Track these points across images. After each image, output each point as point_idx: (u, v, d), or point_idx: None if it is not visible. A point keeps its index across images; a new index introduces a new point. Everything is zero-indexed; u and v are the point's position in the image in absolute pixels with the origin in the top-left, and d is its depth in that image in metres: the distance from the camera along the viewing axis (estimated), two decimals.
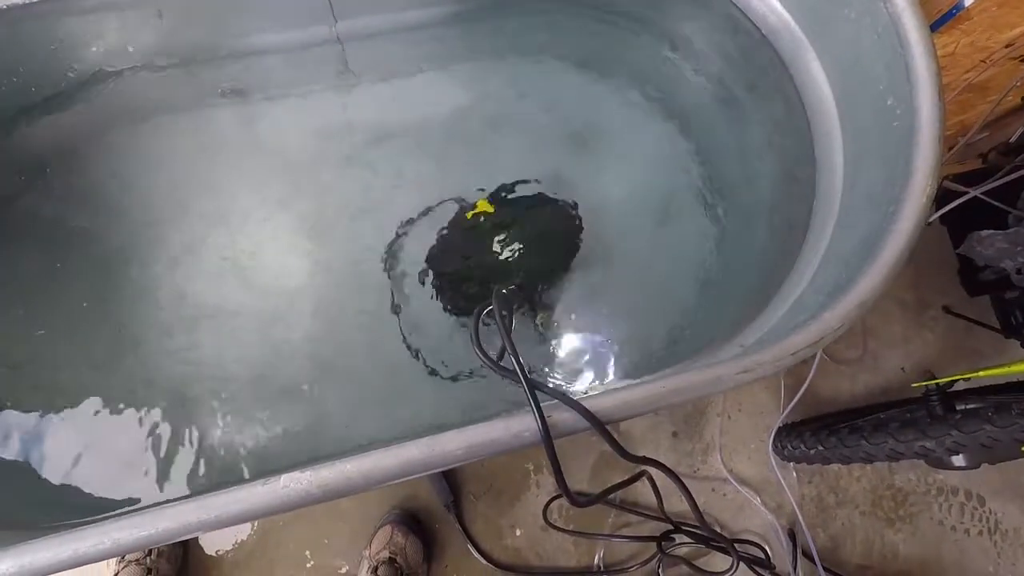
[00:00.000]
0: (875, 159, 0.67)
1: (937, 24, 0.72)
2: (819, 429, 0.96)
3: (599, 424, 0.47)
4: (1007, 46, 0.76)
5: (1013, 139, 0.91)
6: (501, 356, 0.61)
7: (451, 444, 0.46)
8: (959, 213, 0.94)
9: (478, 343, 0.51)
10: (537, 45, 1.01)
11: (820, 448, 0.92)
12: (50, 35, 0.79)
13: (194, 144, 0.94)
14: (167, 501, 0.47)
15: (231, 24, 0.86)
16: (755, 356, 0.51)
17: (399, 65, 0.98)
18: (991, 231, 0.97)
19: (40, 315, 0.85)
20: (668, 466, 0.55)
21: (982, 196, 0.92)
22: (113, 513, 0.65)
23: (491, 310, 0.59)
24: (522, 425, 0.47)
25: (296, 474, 0.45)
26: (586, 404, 0.48)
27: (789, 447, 1.02)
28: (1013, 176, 0.87)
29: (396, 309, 0.90)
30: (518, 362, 0.48)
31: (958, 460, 0.80)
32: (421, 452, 0.46)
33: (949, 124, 0.97)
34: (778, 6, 0.77)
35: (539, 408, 0.46)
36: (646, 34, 0.97)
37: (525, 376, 0.47)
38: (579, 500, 0.50)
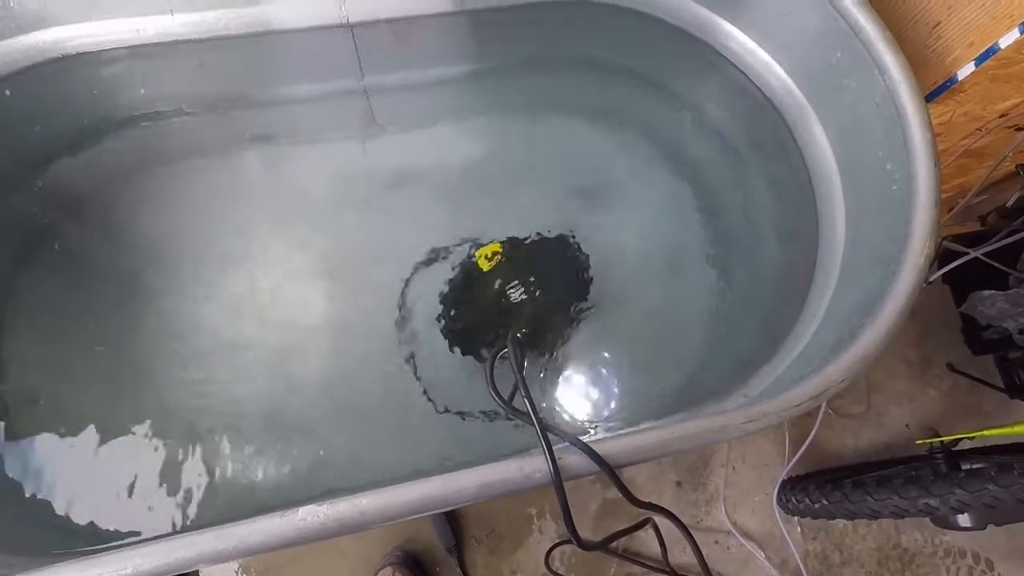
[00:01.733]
0: (875, 219, 0.70)
1: (933, 95, 0.76)
2: (824, 483, 0.96)
3: (609, 468, 0.48)
4: (1001, 116, 0.80)
5: (1010, 203, 0.94)
6: (512, 398, 0.63)
7: (465, 482, 0.47)
8: (961, 272, 0.97)
9: (493, 385, 0.53)
10: (550, 101, 1.06)
11: (825, 502, 0.92)
12: (95, 80, 0.84)
13: (220, 185, 0.98)
14: (186, 530, 0.49)
15: (265, 76, 0.92)
16: (760, 406, 0.53)
17: (420, 116, 1.03)
18: (992, 291, 0.99)
19: (61, 343, 0.88)
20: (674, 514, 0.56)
21: (982, 257, 0.95)
22: (133, 540, 0.66)
23: (505, 353, 0.61)
24: (534, 466, 0.48)
25: (313, 507, 0.46)
26: (596, 448, 0.49)
27: (794, 500, 1.02)
28: (1012, 239, 0.90)
29: (408, 349, 0.92)
30: (531, 405, 0.50)
31: (964, 520, 0.80)
32: (435, 489, 0.47)
33: (949, 186, 1.01)
34: (782, 73, 0.82)
35: (551, 450, 0.47)
36: (655, 93, 1.02)
37: (538, 418, 0.49)
38: (586, 543, 0.51)
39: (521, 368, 0.56)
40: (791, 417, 0.53)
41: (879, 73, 0.66)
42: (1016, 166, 0.88)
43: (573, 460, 0.49)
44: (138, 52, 0.80)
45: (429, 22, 0.88)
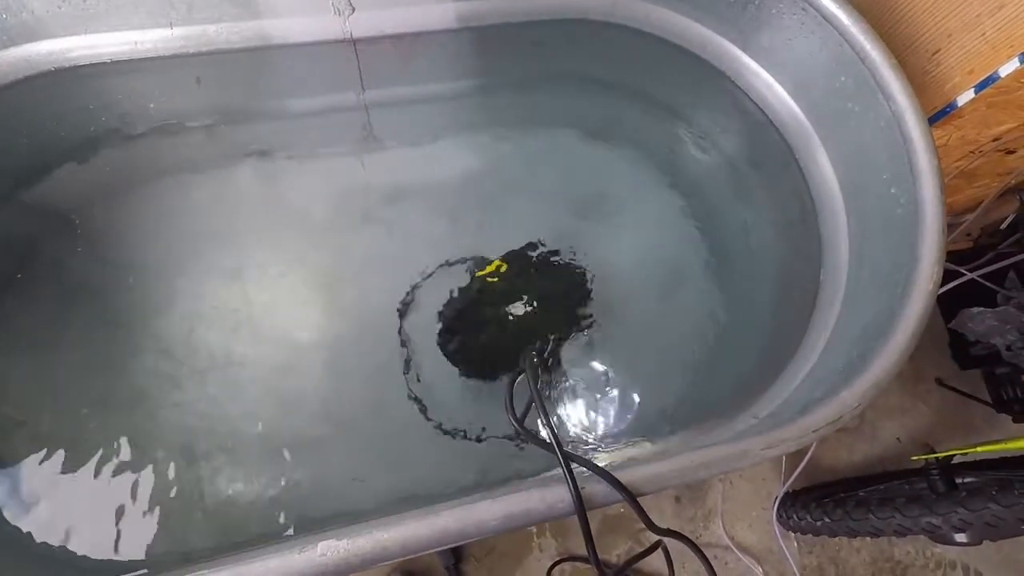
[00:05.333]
0: (880, 243, 0.70)
1: (932, 119, 0.77)
2: (824, 499, 0.97)
3: (631, 497, 0.48)
4: (995, 140, 0.82)
5: (1005, 225, 0.96)
6: (524, 418, 0.62)
7: (486, 514, 0.46)
8: (949, 289, 0.98)
9: (513, 414, 0.52)
10: (551, 116, 1.06)
11: (827, 520, 0.92)
12: (89, 93, 0.82)
13: (216, 200, 0.96)
14: (187, 559, 0.47)
15: (264, 90, 0.90)
16: (779, 432, 0.53)
17: (420, 131, 1.02)
18: (981, 308, 1.01)
19: (49, 363, 0.85)
20: (692, 540, 0.55)
21: (977, 278, 0.97)
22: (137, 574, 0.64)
23: (520, 376, 0.60)
24: (556, 496, 0.48)
25: (333, 542, 0.45)
26: (617, 476, 0.49)
27: (795, 517, 1.02)
28: (1009, 261, 0.92)
29: (407, 367, 0.91)
30: (555, 435, 0.49)
31: (961, 537, 0.81)
32: (457, 521, 0.46)
33: None
34: (785, 95, 0.83)
35: (575, 482, 0.47)
36: (656, 110, 1.02)
37: (561, 448, 0.48)
38: (607, 572, 0.50)
39: (540, 394, 0.55)
40: (809, 443, 0.53)
41: (884, 98, 0.67)
42: (1016, 188, 0.90)
43: (595, 489, 0.49)
44: (134, 66, 0.78)
45: (432, 38, 0.87)
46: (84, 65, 0.75)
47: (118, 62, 0.77)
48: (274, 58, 0.85)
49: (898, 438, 1.21)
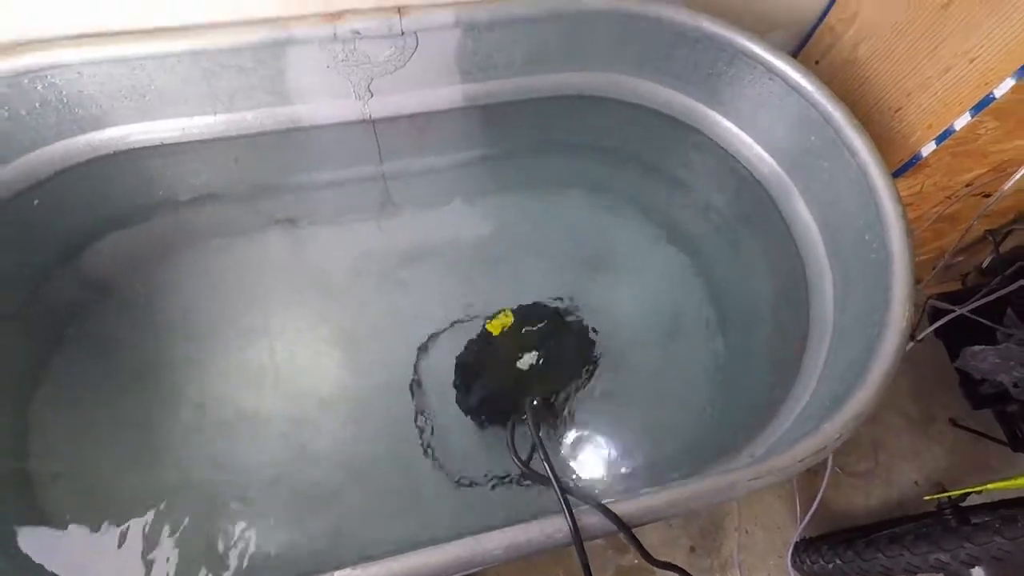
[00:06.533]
0: (859, 285, 0.75)
1: (901, 170, 0.83)
2: (837, 544, 0.97)
3: (626, 528, 0.52)
4: (967, 185, 0.88)
5: (985, 264, 1.00)
6: (528, 462, 0.66)
7: (492, 544, 0.50)
8: (953, 328, 1.01)
9: (515, 452, 0.57)
10: (554, 181, 1.15)
11: (838, 562, 0.93)
12: (143, 171, 0.92)
13: (245, 263, 1.04)
14: None
15: (292, 165, 1.00)
16: (766, 464, 0.57)
17: (433, 197, 1.11)
18: (983, 347, 1.03)
19: (86, 416, 0.91)
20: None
21: (968, 314, 1.00)
22: None
23: (524, 420, 0.65)
24: (555, 527, 0.52)
25: (348, 570, 0.49)
26: (613, 508, 0.53)
27: (808, 562, 1.02)
28: (993, 296, 0.95)
29: (421, 418, 0.95)
30: (551, 468, 0.53)
31: (977, 573, 0.81)
32: (465, 551, 0.50)
33: (928, 249, 1.07)
34: (764, 154, 0.90)
35: (571, 511, 0.51)
36: (651, 173, 1.10)
37: (559, 482, 0.52)
38: None
39: (539, 436, 0.60)
40: (795, 473, 0.57)
41: (850, 155, 0.73)
42: (985, 231, 0.94)
43: (592, 520, 0.53)
44: (182, 148, 0.88)
45: (443, 115, 0.97)
46: (139, 148, 0.85)
47: (168, 145, 0.87)
48: (302, 138, 0.95)
49: (915, 481, 1.21)
